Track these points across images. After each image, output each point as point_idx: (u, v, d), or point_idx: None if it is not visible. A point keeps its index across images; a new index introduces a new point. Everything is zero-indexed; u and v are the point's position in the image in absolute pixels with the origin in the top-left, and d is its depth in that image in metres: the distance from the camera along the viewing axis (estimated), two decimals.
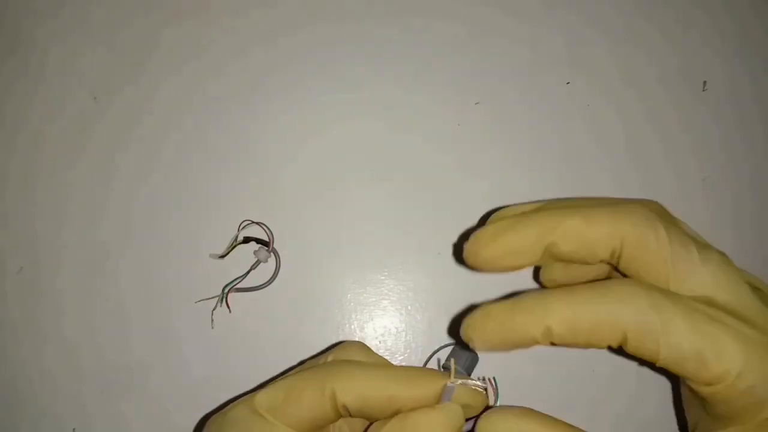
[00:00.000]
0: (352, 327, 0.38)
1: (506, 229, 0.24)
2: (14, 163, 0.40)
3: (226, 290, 0.37)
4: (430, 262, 0.38)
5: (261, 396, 0.26)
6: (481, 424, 0.22)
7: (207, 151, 0.39)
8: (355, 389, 0.24)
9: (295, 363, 0.35)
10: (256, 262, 0.37)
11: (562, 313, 0.22)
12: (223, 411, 0.26)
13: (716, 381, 0.21)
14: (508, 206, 0.26)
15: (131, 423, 0.37)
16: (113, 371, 0.37)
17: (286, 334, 0.35)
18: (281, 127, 0.40)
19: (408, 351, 0.38)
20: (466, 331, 0.24)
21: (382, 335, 0.38)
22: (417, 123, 0.40)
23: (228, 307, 0.37)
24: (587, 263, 0.24)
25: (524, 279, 0.37)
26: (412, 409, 0.24)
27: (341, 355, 0.28)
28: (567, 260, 0.24)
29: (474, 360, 0.35)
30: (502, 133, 0.39)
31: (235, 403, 0.26)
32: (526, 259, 0.24)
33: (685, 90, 0.41)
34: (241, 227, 0.37)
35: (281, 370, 0.36)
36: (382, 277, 0.38)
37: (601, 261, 0.24)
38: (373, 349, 0.38)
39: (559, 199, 0.26)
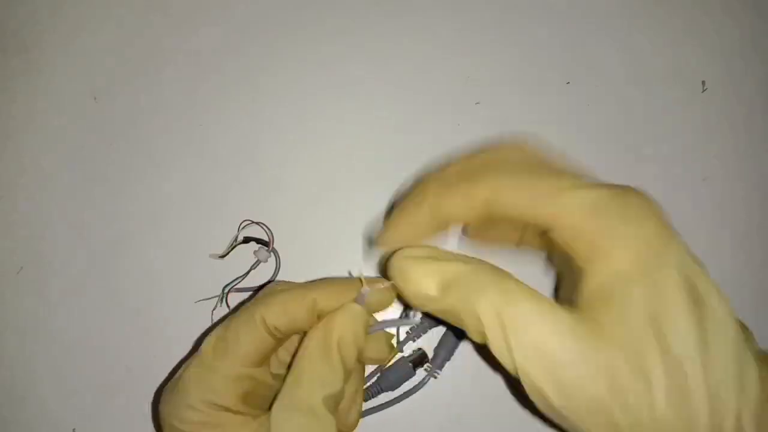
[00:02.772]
0: None
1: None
2: (14, 163, 0.40)
3: (226, 290, 0.37)
4: None
5: (205, 347, 0.28)
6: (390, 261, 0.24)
7: (207, 151, 0.39)
8: (279, 308, 0.27)
9: None
10: (256, 262, 0.37)
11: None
12: (179, 373, 0.28)
13: (550, 224, 0.22)
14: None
15: (131, 423, 0.37)
16: (113, 371, 0.37)
17: None
18: (281, 127, 0.40)
19: (408, 347, 0.38)
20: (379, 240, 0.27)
21: None
22: (417, 123, 0.40)
23: (228, 307, 0.37)
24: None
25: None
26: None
27: (266, 292, 0.30)
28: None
29: (455, 344, 0.36)
30: (502, 133, 0.39)
31: (187, 362, 0.28)
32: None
33: (685, 90, 0.41)
34: (241, 227, 0.37)
35: None
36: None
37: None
38: None
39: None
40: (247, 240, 0.37)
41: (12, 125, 0.40)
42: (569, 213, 0.21)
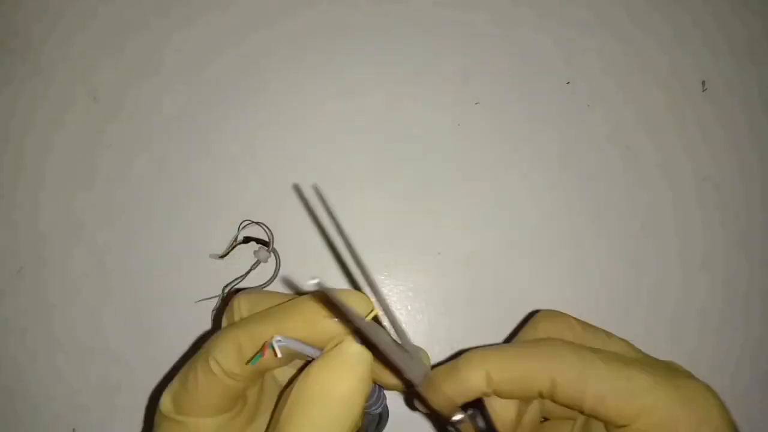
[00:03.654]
0: None
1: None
2: (14, 163, 0.40)
3: (226, 290, 0.37)
4: (430, 262, 0.38)
5: (164, 399, 0.25)
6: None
7: (207, 151, 0.39)
8: (233, 351, 0.23)
9: None
10: (256, 262, 0.37)
11: (498, 362, 0.24)
12: None
13: (633, 418, 0.23)
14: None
15: (131, 423, 0.37)
16: (113, 371, 0.37)
17: None
18: (281, 127, 0.40)
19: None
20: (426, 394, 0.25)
21: None
22: (417, 123, 0.40)
23: None
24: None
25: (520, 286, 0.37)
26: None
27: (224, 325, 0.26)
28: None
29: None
30: (501, 133, 0.39)
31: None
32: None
33: (685, 90, 0.41)
34: (241, 227, 0.37)
35: None
36: (382, 277, 0.38)
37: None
38: None
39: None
40: (247, 240, 0.37)
41: (12, 125, 0.40)
42: (662, 408, 0.23)
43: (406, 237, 0.38)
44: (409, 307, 0.38)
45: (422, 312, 0.38)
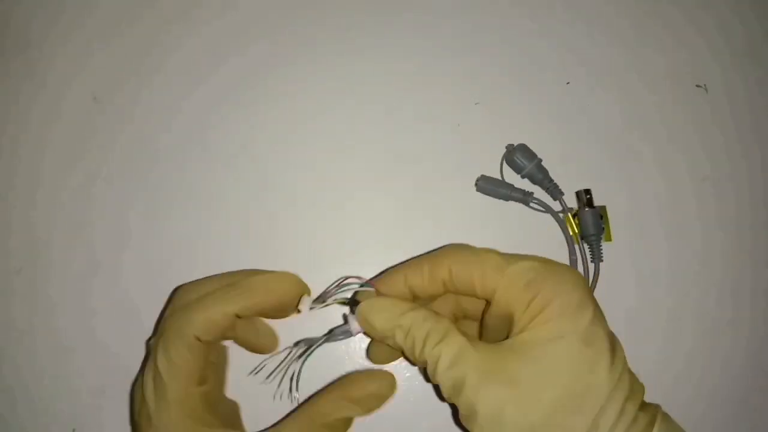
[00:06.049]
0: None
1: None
2: (14, 163, 0.40)
3: None
4: None
5: (147, 394, 0.29)
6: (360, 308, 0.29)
7: (207, 150, 0.39)
8: (204, 322, 0.29)
9: None
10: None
11: (411, 266, 0.30)
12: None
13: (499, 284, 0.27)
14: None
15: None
16: (113, 371, 0.37)
17: (286, 334, 0.35)
18: (281, 127, 0.40)
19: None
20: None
21: None
22: (417, 123, 0.40)
23: None
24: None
25: None
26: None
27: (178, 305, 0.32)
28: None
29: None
30: (502, 133, 0.39)
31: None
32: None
33: (685, 90, 0.41)
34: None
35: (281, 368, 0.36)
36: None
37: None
38: None
39: None
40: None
41: (12, 125, 0.40)
42: (511, 284, 0.27)
43: (406, 237, 0.38)
44: None
45: None
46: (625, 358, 0.26)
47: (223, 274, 0.34)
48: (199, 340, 0.29)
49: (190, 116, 0.40)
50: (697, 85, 0.41)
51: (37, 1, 0.41)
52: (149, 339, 0.33)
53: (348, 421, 0.30)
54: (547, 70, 0.41)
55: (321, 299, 0.31)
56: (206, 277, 0.33)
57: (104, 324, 0.38)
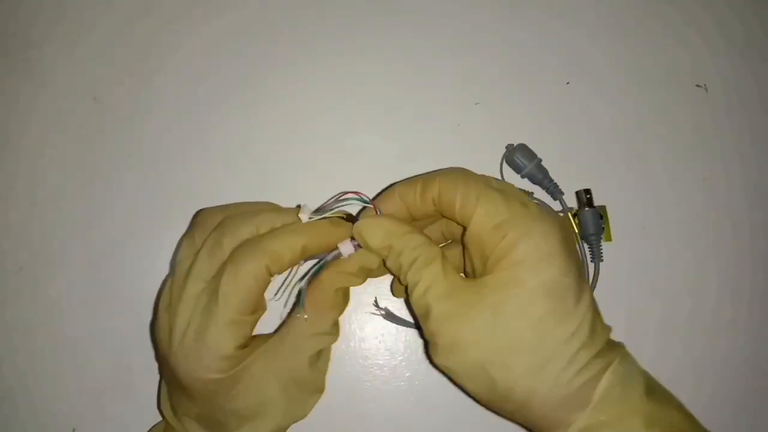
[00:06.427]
0: (352, 327, 0.38)
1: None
2: (14, 163, 0.40)
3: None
4: None
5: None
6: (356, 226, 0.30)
7: (207, 150, 0.39)
8: (276, 256, 0.29)
9: None
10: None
11: (404, 185, 0.31)
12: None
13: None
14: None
15: (131, 423, 0.37)
16: (113, 371, 0.37)
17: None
18: (281, 127, 0.40)
19: (408, 351, 0.38)
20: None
21: (382, 335, 0.38)
22: (417, 123, 0.40)
23: None
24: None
25: None
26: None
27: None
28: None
29: None
30: (502, 133, 0.39)
31: None
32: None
33: (685, 90, 0.41)
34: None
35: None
36: (382, 277, 0.38)
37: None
38: (373, 349, 0.38)
39: None
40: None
41: (12, 125, 0.40)
42: (482, 221, 0.27)
43: None
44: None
45: None
46: (591, 305, 0.27)
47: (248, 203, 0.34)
48: (269, 271, 0.29)
49: (190, 116, 0.40)
50: (697, 85, 0.41)
51: (37, 2, 0.41)
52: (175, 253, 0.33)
53: (346, 293, 0.32)
54: (547, 70, 0.41)
55: (320, 211, 0.31)
56: (245, 202, 0.34)
57: (104, 324, 0.38)
